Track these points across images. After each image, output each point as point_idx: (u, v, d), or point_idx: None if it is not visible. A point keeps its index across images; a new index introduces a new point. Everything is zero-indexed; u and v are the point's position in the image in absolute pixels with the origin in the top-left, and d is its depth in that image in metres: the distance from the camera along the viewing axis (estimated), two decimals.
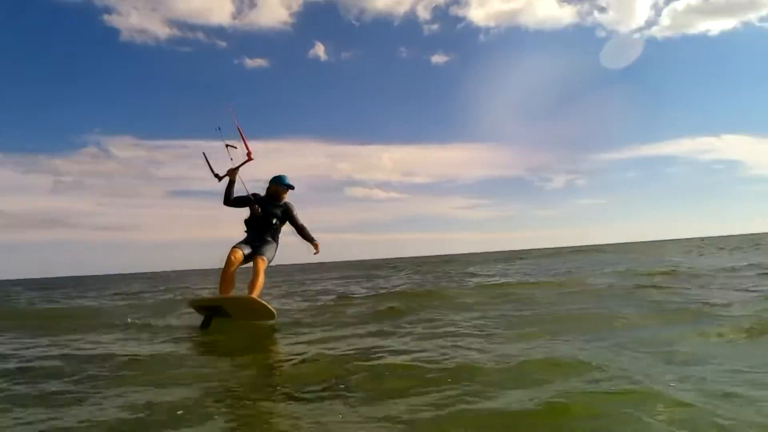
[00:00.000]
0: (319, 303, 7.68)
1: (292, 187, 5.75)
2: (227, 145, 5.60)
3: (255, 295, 5.10)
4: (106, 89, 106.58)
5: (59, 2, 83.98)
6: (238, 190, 5.61)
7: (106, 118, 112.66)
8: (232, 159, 5.62)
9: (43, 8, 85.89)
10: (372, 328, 4.77)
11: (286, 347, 4.20)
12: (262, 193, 5.77)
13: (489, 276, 12.56)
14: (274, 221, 5.64)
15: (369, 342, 4.03)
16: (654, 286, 7.00)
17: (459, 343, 3.70)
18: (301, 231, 5.70)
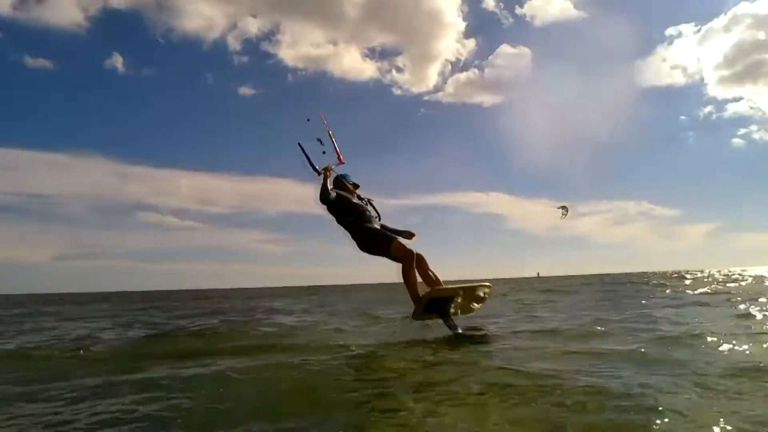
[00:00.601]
0: None
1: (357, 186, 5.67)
2: (318, 139, 5.58)
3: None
4: None
5: None
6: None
7: None
8: (324, 152, 5.54)
9: None
10: None
11: None
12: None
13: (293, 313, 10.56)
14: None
15: None
16: None
17: None
18: None
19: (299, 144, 5.42)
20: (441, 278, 5.23)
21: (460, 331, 4.97)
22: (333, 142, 5.62)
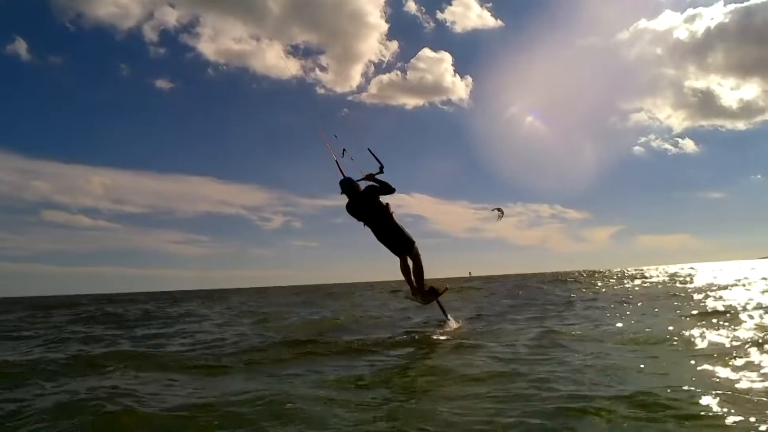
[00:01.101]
0: None
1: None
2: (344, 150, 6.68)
3: None
4: None
5: None
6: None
7: None
8: (353, 158, 6.69)
9: None
10: None
11: None
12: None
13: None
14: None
15: None
16: None
17: None
18: None
19: (369, 149, 6.51)
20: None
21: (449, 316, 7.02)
22: (375, 156, 6.48)
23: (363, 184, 6.47)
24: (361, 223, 6.53)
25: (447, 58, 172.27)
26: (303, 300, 18.49)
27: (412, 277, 6.56)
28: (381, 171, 6.32)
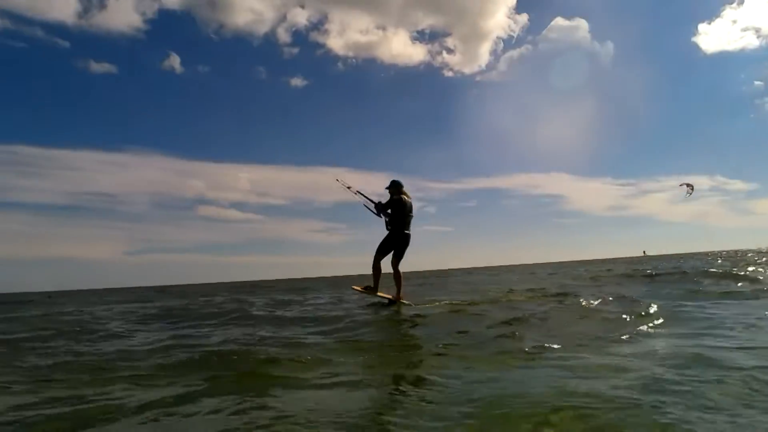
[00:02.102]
0: None
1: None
2: (357, 192, 8.46)
3: None
4: None
5: None
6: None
7: None
8: (369, 200, 8.38)
9: None
10: None
11: None
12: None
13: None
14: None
15: None
16: None
17: None
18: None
19: (372, 203, 8.28)
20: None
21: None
22: (365, 197, 8.40)
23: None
24: (384, 220, 8.16)
25: (583, 25, 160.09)
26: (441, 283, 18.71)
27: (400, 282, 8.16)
28: (377, 204, 8.19)
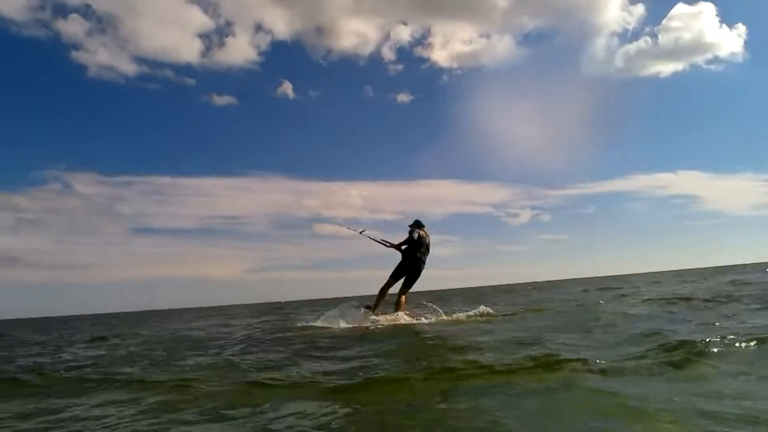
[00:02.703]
0: None
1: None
2: (369, 237, 9.51)
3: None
4: (72, 125, 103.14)
5: (24, 38, 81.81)
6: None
7: (71, 155, 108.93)
8: (381, 242, 9.37)
9: (6, 43, 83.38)
10: None
11: None
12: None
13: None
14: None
15: None
16: None
17: None
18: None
19: (378, 240, 9.33)
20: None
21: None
22: (375, 239, 9.41)
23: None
24: (399, 252, 8.90)
25: (708, 8, 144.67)
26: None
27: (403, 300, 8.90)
28: (396, 245, 8.99)
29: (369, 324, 8.12)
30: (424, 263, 8.80)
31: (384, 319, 8.35)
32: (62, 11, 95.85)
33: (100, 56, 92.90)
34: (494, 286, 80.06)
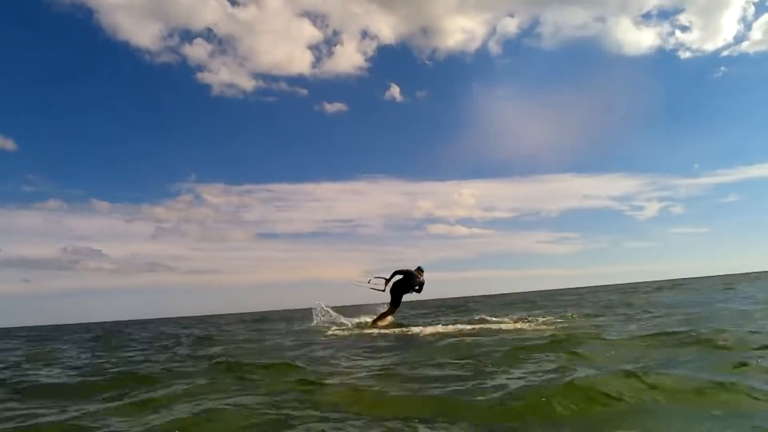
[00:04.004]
0: None
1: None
2: (370, 283, 12.44)
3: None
4: (200, 140, 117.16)
5: (156, 65, 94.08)
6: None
7: (200, 167, 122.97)
8: (378, 290, 12.48)
9: (142, 70, 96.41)
10: None
11: None
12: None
13: None
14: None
15: None
16: None
17: None
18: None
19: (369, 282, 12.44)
20: None
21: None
22: (382, 282, 12.24)
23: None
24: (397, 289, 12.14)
25: None
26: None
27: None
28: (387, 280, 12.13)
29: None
30: (413, 292, 12.27)
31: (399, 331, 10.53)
32: (188, 36, 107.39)
33: (222, 75, 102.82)
34: (617, 285, 73.66)
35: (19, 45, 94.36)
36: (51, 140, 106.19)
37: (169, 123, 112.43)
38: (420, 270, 12.26)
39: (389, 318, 12.41)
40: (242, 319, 30.17)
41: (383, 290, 12.09)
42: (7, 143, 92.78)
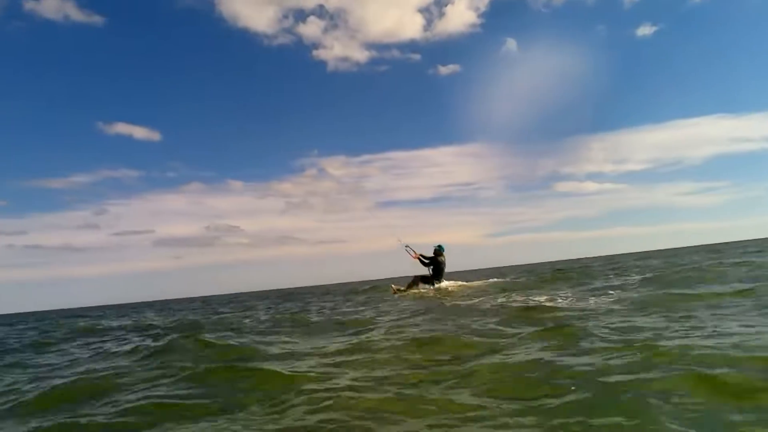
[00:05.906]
0: None
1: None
2: (406, 247, 15.06)
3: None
4: (320, 115, 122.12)
5: (274, 47, 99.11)
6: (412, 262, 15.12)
7: (321, 141, 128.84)
8: (407, 246, 15.13)
9: (262, 54, 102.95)
10: None
11: None
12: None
13: None
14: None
15: None
16: None
17: None
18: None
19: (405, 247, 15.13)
20: None
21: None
22: (413, 253, 14.94)
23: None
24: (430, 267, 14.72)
25: None
26: None
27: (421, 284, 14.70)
28: (422, 257, 14.78)
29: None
30: (440, 280, 14.54)
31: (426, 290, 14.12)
32: (301, 16, 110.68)
33: (336, 50, 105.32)
34: None
35: (152, 43, 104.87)
36: (187, 128, 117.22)
37: (290, 101, 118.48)
38: (439, 251, 14.57)
39: (421, 288, 14.53)
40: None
41: (414, 257, 14.78)
42: (153, 135, 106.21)
